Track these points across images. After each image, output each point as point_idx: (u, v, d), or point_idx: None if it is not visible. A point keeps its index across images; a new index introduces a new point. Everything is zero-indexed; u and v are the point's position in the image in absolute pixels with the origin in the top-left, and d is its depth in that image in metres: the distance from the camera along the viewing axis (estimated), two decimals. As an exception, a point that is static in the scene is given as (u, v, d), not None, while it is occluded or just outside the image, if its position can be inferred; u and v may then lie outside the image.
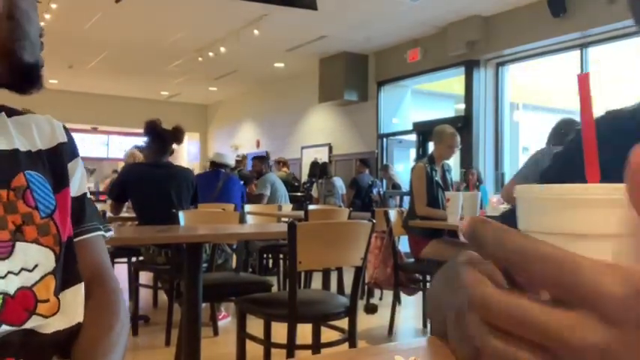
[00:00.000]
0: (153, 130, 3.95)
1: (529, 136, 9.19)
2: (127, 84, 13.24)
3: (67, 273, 0.82)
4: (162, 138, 3.95)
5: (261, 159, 7.31)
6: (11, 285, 0.73)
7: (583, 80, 0.35)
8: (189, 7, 7.91)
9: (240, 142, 14.49)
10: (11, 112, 0.90)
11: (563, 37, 7.03)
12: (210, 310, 3.96)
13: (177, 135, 4.00)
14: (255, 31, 8.50)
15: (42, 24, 0.87)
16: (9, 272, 0.73)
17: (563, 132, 3.59)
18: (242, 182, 6.32)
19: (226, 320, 4.27)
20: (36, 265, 0.77)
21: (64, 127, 0.96)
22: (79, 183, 0.93)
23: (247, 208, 5.31)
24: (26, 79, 0.84)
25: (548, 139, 3.79)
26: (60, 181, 0.88)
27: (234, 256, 4.26)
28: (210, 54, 9.76)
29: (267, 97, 13.18)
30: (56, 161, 0.90)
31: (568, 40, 7.11)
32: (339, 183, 8.41)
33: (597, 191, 0.32)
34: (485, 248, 0.32)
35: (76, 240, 0.89)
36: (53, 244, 0.80)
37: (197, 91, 14.20)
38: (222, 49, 9.44)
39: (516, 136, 8.86)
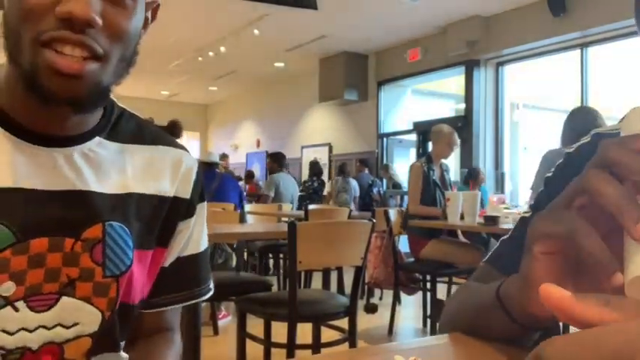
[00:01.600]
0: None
1: (529, 136, 9.19)
2: (127, 84, 12.93)
3: (109, 339, 0.75)
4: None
5: (273, 156, 7.16)
6: (36, 340, 0.67)
7: None
8: (190, 7, 7.91)
9: (240, 141, 14.49)
10: (140, 132, 0.79)
11: (563, 37, 7.03)
12: (211, 310, 3.97)
13: (173, 130, 3.97)
14: (256, 31, 8.50)
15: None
16: (40, 326, 0.67)
17: (572, 127, 3.40)
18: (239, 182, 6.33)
19: (226, 320, 4.27)
20: (76, 324, 0.70)
21: (197, 175, 0.84)
22: (185, 242, 0.83)
23: (247, 207, 5.32)
24: (91, 101, 0.70)
25: (561, 137, 3.57)
26: (149, 237, 0.78)
27: (234, 256, 4.26)
28: (211, 54, 9.76)
29: (267, 96, 13.18)
30: (155, 215, 0.79)
31: (568, 40, 7.11)
32: (354, 184, 8.39)
33: None
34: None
35: (165, 308, 0.82)
36: (106, 308, 0.72)
37: (197, 90, 14.20)
38: (223, 49, 9.44)
39: (516, 136, 8.86)
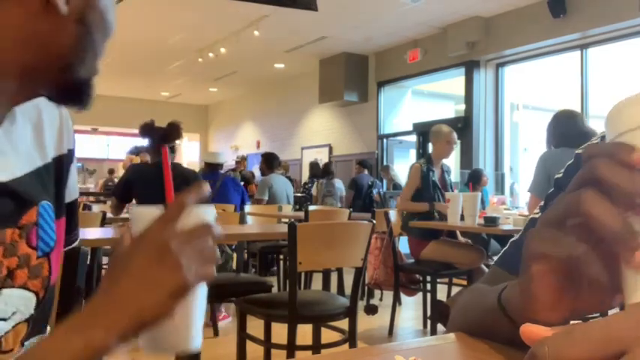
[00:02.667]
0: (149, 131, 3.93)
1: (529, 137, 9.19)
2: (128, 85, 13.25)
3: (43, 319, 0.73)
4: (159, 137, 3.93)
5: (264, 158, 7.07)
6: None
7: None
8: (190, 8, 7.92)
9: (241, 142, 14.50)
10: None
11: (563, 38, 7.03)
12: (211, 311, 3.96)
13: (173, 131, 3.96)
14: (256, 32, 8.51)
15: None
16: None
17: (561, 131, 3.50)
18: (242, 183, 6.31)
19: (226, 321, 4.27)
20: (14, 313, 0.67)
21: (67, 116, 0.81)
22: (74, 185, 0.81)
23: (247, 208, 5.31)
24: (73, 95, 0.68)
25: (547, 141, 3.71)
26: (60, 201, 0.76)
27: (234, 257, 4.26)
28: (211, 55, 9.77)
29: (268, 97, 13.19)
30: (61, 176, 0.77)
31: (568, 41, 7.11)
32: (338, 184, 8.40)
33: None
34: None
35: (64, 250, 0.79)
36: (40, 288, 0.70)
37: (197, 91, 14.21)
38: (223, 50, 9.44)
39: (516, 137, 8.86)
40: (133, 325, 0.54)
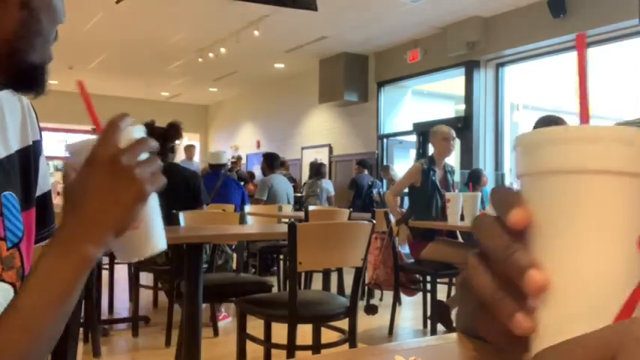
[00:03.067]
0: (150, 132, 3.94)
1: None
2: (128, 85, 13.25)
3: None
4: (160, 138, 3.94)
5: (266, 157, 6.88)
6: None
7: (580, 40, 0.37)
8: (190, 8, 7.92)
9: (241, 142, 14.50)
10: None
11: (563, 38, 7.03)
12: (211, 311, 3.96)
13: (173, 132, 3.98)
14: (256, 32, 8.51)
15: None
16: None
17: None
18: (242, 182, 6.30)
19: (226, 321, 4.27)
20: None
21: (34, 110, 0.81)
22: (44, 178, 0.82)
23: (247, 208, 5.31)
24: (26, 81, 0.71)
25: None
26: (30, 194, 0.77)
27: (234, 257, 4.26)
28: (211, 55, 9.77)
29: (268, 97, 13.19)
30: (28, 168, 0.77)
31: (568, 41, 7.11)
32: (326, 185, 8.38)
33: (603, 129, 0.33)
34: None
35: (36, 246, 0.79)
36: (16, 279, 0.71)
37: (197, 91, 14.21)
38: (223, 50, 9.44)
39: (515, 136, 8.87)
40: (111, 235, 0.64)
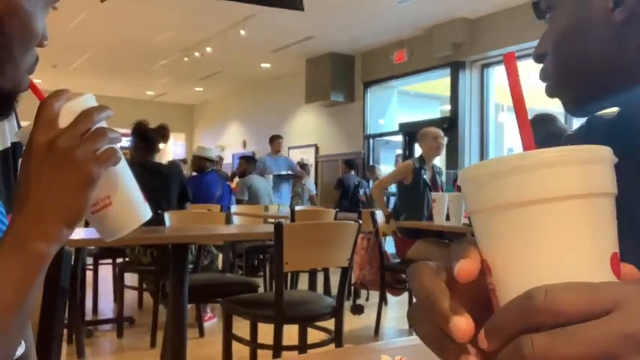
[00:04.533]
0: (141, 130, 3.94)
1: (514, 137, 9.26)
2: (112, 84, 13.14)
3: None
4: (149, 138, 3.94)
5: (246, 159, 7.08)
6: None
7: (509, 58, 0.37)
8: (176, 7, 7.87)
9: (227, 142, 14.44)
10: None
11: (547, 40, 7.09)
12: (196, 312, 3.94)
13: (163, 133, 4.01)
14: (242, 32, 8.48)
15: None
16: None
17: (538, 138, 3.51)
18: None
19: (212, 321, 4.25)
20: None
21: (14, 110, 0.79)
22: None
23: (233, 208, 5.30)
24: None
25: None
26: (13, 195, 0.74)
27: (220, 257, 4.25)
28: (197, 54, 9.72)
29: (254, 97, 13.15)
30: (8, 170, 0.75)
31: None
32: (308, 184, 8.46)
33: (551, 153, 0.32)
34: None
35: None
36: None
37: (183, 91, 14.13)
38: (209, 49, 9.40)
39: (501, 137, 8.93)
40: (64, 226, 0.59)
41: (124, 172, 0.64)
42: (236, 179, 7.41)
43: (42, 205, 0.58)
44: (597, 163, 0.33)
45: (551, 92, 0.68)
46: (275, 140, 7.99)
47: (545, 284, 0.30)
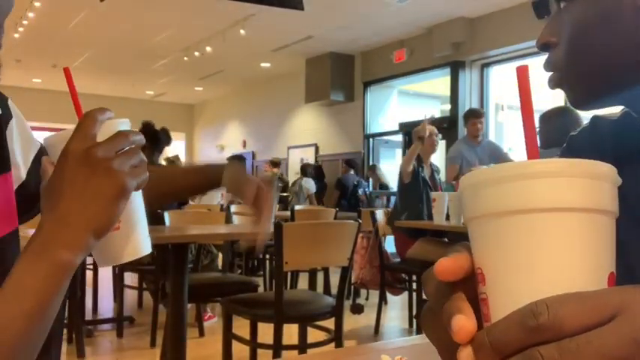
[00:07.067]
0: (149, 131, 3.97)
1: (514, 137, 9.26)
2: (112, 83, 13.13)
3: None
4: (157, 138, 3.97)
5: (237, 159, 7.05)
6: None
7: (522, 72, 0.36)
8: (175, 6, 7.87)
9: (227, 142, 14.44)
10: None
11: (547, 39, 7.09)
12: (196, 311, 3.95)
13: (164, 137, 4.05)
14: (242, 31, 8.48)
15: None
16: None
17: (548, 131, 3.41)
18: None
19: (212, 321, 4.25)
20: None
21: None
22: (22, 156, 0.78)
23: (233, 208, 5.29)
24: None
25: (542, 139, 3.56)
26: (3, 160, 0.75)
27: (220, 257, 4.25)
28: (196, 53, 9.71)
29: (254, 97, 13.15)
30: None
31: (552, 42, 7.17)
32: (305, 184, 8.45)
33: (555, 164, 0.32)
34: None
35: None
36: None
37: (183, 90, 14.12)
38: (209, 49, 9.40)
39: (501, 137, 8.93)
40: (90, 236, 0.58)
41: (137, 200, 0.64)
42: None
43: (71, 212, 0.57)
44: (602, 180, 0.32)
45: (555, 84, 0.67)
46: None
47: (544, 298, 0.30)
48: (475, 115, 4.93)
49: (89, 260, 4.48)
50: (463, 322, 0.33)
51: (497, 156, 4.80)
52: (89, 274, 4.47)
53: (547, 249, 0.31)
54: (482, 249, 0.33)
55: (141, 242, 0.64)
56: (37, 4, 7.59)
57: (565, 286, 0.31)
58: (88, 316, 4.35)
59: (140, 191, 0.63)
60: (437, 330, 0.36)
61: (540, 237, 0.31)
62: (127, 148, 0.60)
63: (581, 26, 0.63)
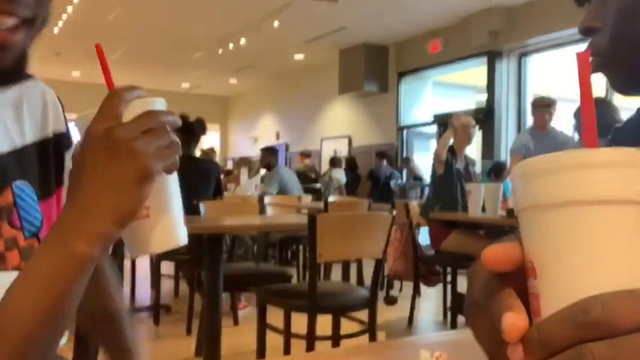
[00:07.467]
0: (184, 123, 4.03)
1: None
2: (149, 76, 13.34)
3: None
4: (192, 131, 4.02)
5: (269, 151, 6.81)
6: None
7: (582, 58, 0.34)
8: (210, 0, 7.93)
9: (260, 133, 14.53)
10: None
11: (588, 27, 6.89)
12: (231, 300, 3.99)
13: (200, 127, 4.09)
14: (275, 23, 8.49)
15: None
16: None
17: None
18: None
19: (246, 310, 4.30)
20: None
21: (60, 102, 0.78)
22: None
23: (267, 199, 5.32)
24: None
25: (579, 131, 3.51)
26: (48, 185, 0.74)
27: (254, 247, 4.29)
28: (231, 46, 9.78)
29: (287, 88, 13.18)
30: (47, 159, 0.74)
31: (593, 30, 6.97)
32: (335, 174, 8.47)
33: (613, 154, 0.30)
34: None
35: None
36: None
37: (217, 83, 14.26)
38: (243, 41, 9.45)
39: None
40: (111, 226, 0.53)
41: (170, 186, 0.58)
42: (262, 172, 7.25)
43: (90, 199, 0.53)
44: None
45: (599, 68, 0.65)
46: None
47: (599, 294, 0.29)
48: (542, 105, 4.66)
49: (126, 253, 4.58)
50: (514, 320, 0.31)
51: (569, 148, 4.63)
52: (127, 263, 4.57)
53: (607, 243, 0.30)
54: (534, 241, 0.32)
55: (174, 232, 0.58)
56: (75, -1, 7.76)
57: (624, 282, 0.29)
58: (126, 304, 4.44)
59: (175, 176, 0.58)
60: (484, 327, 0.35)
61: (600, 230, 0.30)
62: (156, 130, 0.55)
63: (627, 12, 0.62)
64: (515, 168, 0.33)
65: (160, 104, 0.59)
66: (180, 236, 0.59)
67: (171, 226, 0.58)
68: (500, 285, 0.34)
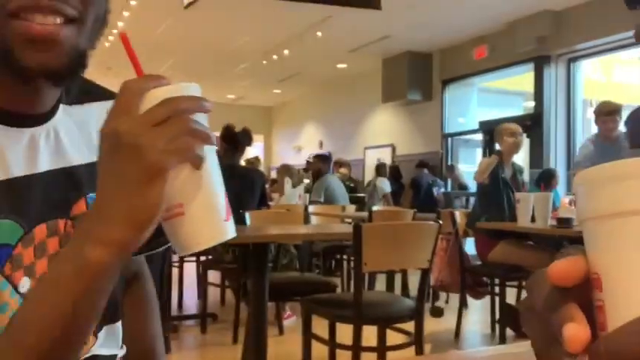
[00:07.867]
0: (229, 134, 4.10)
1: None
2: (195, 88, 13.64)
3: (113, 307, 0.72)
4: (237, 140, 4.09)
5: (321, 158, 6.85)
6: None
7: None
8: (255, 11, 8.05)
9: (304, 143, 14.62)
10: (87, 88, 0.75)
11: None
12: (276, 310, 4.01)
13: (247, 138, 4.15)
14: (319, 33, 8.55)
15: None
16: None
17: (636, 131, 3.22)
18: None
19: (291, 320, 4.31)
20: None
21: None
22: None
23: (311, 208, 5.33)
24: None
25: (631, 138, 3.37)
26: None
27: (298, 257, 4.30)
28: (275, 57, 9.90)
29: (330, 98, 13.23)
30: None
31: (646, 33, 6.73)
32: (380, 184, 8.41)
33: None
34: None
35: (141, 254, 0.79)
36: None
37: (261, 93, 14.44)
38: (286, 52, 9.55)
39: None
40: (128, 231, 0.49)
41: (208, 181, 0.54)
42: (305, 181, 7.29)
43: (104, 203, 0.50)
44: None
45: None
46: None
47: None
48: (605, 112, 4.25)
49: (175, 258, 4.67)
50: (576, 331, 0.30)
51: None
52: (175, 271, 4.66)
53: None
54: (600, 252, 0.31)
55: (215, 228, 0.54)
56: (125, 13, 8.01)
57: None
58: (174, 311, 4.52)
59: (209, 166, 0.53)
60: (544, 340, 0.34)
61: None
62: (172, 119, 0.50)
63: None
64: (578, 176, 0.32)
65: (193, 89, 0.55)
66: (223, 231, 0.54)
67: (210, 221, 0.54)
68: (563, 298, 0.33)
